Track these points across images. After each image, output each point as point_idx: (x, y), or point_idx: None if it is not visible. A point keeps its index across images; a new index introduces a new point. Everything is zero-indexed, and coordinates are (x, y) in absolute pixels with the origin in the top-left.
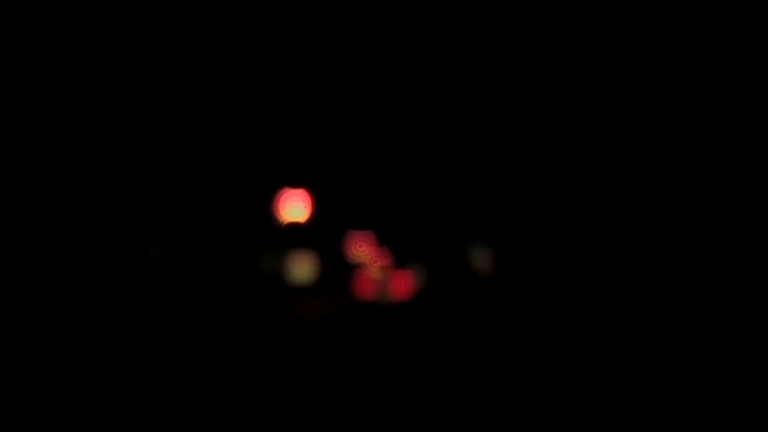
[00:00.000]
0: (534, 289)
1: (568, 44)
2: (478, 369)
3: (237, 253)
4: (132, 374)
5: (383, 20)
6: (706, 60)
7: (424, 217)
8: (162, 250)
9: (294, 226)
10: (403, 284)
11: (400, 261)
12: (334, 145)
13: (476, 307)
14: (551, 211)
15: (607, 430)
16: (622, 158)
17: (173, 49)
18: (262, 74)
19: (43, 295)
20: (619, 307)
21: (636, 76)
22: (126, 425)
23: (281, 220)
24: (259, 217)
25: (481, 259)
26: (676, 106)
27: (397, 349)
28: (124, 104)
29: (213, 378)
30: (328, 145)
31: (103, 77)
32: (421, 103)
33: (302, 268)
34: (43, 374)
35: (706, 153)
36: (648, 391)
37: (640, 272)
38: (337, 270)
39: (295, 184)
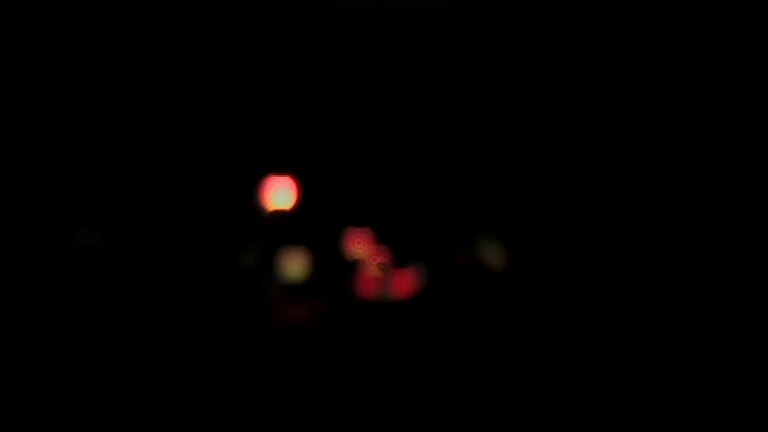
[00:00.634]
0: (542, 285)
1: None
2: (479, 368)
3: (217, 247)
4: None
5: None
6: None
7: (424, 213)
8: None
9: (279, 214)
10: (404, 282)
11: (401, 259)
12: (326, 132)
13: (481, 304)
14: (558, 205)
15: (608, 430)
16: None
17: (153, 36)
18: (258, 68)
19: None
20: (622, 304)
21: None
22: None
23: (266, 208)
24: (241, 208)
25: (490, 254)
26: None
27: (398, 349)
28: (102, 91)
29: (203, 380)
30: (319, 133)
31: (81, 61)
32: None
33: (295, 265)
34: None
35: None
36: (651, 390)
37: (642, 268)
38: (334, 267)
39: (281, 171)
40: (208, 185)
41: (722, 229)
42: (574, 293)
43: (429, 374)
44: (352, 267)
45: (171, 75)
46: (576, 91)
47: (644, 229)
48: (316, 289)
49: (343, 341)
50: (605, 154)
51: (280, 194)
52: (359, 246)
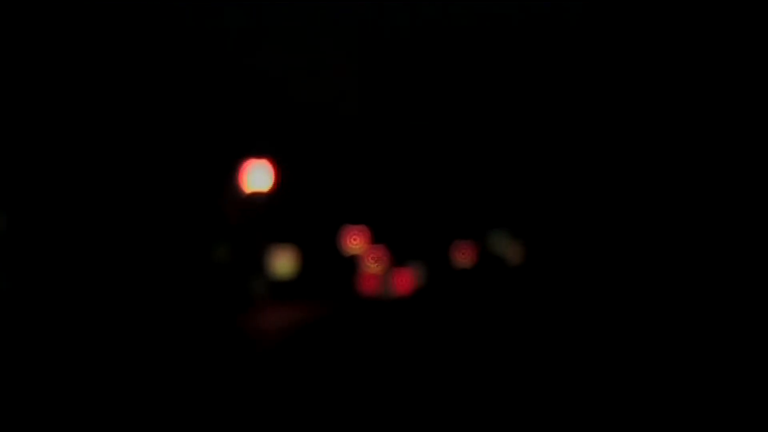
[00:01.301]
0: (551, 279)
1: None
2: (481, 367)
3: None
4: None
5: None
6: None
7: (423, 212)
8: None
9: (257, 198)
10: (404, 281)
11: (399, 258)
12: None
13: (485, 302)
14: (561, 201)
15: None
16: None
17: (128, 27)
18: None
19: None
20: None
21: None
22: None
23: (242, 192)
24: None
25: (503, 247)
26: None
27: (398, 349)
28: (75, 81)
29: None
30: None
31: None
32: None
33: (284, 262)
34: None
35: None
36: (656, 390)
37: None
38: (327, 265)
39: (259, 154)
40: (174, 170)
41: (722, 228)
42: (581, 288)
43: (431, 374)
44: (346, 264)
45: (134, 57)
46: (576, 92)
47: (647, 227)
48: (307, 287)
49: (343, 341)
50: (605, 153)
51: (257, 176)
52: (355, 243)
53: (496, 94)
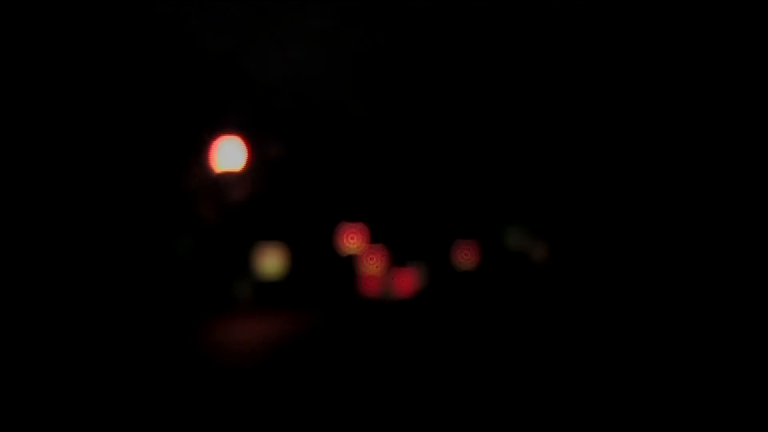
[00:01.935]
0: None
1: None
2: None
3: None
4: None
5: None
6: None
7: (423, 211)
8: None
9: (228, 177)
10: (406, 282)
11: (400, 259)
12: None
13: (489, 303)
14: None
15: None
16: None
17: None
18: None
19: None
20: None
21: None
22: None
23: (212, 171)
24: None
25: (519, 243)
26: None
27: (399, 349)
28: (46, 73)
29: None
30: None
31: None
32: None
33: (272, 261)
34: None
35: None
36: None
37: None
38: (322, 264)
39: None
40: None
41: (722, 227)
42: (588, 287)
43: (434, 374)
44: (342, 265)
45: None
46: (575, 91)
47: (652, 226)
48: (297, 289)
49: (343, 341)
50: (606, 153)
51: (228, 154)
52: (352, 242)
53: (506, 87)
